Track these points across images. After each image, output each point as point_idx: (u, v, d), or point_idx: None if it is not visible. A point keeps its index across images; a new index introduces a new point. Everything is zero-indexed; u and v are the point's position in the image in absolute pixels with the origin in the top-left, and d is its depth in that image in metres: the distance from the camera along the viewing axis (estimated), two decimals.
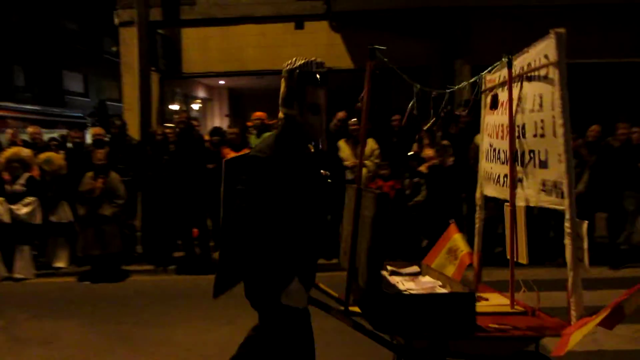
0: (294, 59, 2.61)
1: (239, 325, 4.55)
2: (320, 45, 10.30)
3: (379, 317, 2.75)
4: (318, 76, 2.58)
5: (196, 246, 7.90)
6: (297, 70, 2.57)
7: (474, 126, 5.36)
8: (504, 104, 3.40)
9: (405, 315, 2.70)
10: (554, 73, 2.82)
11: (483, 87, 3.83)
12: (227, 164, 2.93)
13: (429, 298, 2.90)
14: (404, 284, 3.23)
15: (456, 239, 3.72)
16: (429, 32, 10.13)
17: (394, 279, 3.32)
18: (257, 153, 2.58)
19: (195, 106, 15.40)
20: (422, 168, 7.50)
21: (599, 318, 2.57)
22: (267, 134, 5.53)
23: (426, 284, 3.23)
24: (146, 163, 7.95)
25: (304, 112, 2.58)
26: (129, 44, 10.36)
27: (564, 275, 2.79)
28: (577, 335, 2.55)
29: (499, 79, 3.55)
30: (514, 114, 3.25)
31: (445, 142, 7.57)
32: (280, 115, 2.71)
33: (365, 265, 2.77)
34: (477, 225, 3.94)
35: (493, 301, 3.36)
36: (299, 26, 10.68)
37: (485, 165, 3.83)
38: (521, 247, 3.25)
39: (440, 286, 3.19)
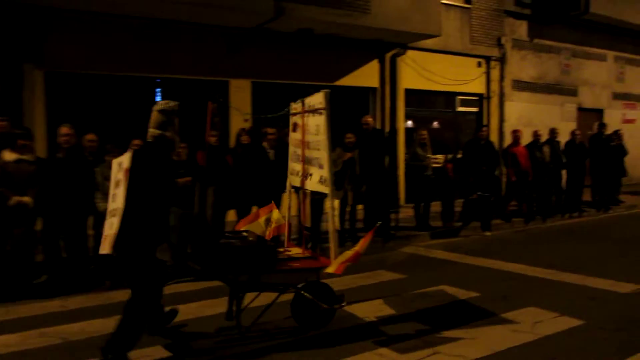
0: (166, 102, 4.24)
1: None
2: None
3: (213, 263, 4.60)
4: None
5: None
6: (172, 109, 4.18)
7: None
8: (300, 126, 5.44)
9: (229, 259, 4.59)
10: (324, 113, 4.85)
11: (291, 111, 5.82)
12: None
13: (247, 248, 4.79)
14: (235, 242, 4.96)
15: (274, 213, 5.51)
16: None
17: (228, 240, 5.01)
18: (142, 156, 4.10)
19: None
20: None
21: (348, 254, 4.46)
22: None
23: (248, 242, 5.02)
24: None
25: (174, 133, 4.16)
26: None
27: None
28: (335, 264, 4.47)
29: (298, 108, 5.55)
30: (304, 134, 5.30)
31: None
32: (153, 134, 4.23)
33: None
34: (288, 205, 5.94)
35: (293, 251, 5.40)
36: None
37: (291, 165, 5.83)
38: (308, 215, 5.49)
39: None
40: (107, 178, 6.44)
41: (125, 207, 3.89)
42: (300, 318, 4.88)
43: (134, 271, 4.03)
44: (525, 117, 14.96)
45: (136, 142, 6.83)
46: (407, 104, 12.95)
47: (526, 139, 11.27)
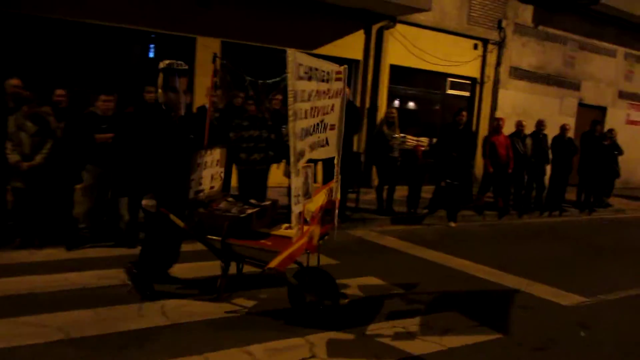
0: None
1: None
2: None
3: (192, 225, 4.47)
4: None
5: None
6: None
7: None
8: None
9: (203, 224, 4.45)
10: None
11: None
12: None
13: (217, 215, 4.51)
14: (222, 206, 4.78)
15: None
16: None
17: (237, 206, 4.78)
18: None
19: None
20: None
21: (296, 246, 4.02)
22: None
23: (244, 210, 4.69)
24: None
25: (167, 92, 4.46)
26: None
27: None
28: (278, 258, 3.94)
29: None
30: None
31: None
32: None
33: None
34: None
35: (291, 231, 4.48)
36: None
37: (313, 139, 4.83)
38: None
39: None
40: (22, 127, 5.96)
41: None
42: (295, 304, 4.42)
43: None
44: (520, 106, 14.18)
45: (59, 92, 6.29)
46: (392, 80, 12.24)
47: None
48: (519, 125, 10.43)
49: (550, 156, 10.94)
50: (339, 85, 4.54)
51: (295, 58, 3.72)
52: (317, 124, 4.27)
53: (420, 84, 13.07)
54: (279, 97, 7.68)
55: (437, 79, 13.14)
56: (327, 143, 4.54)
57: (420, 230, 8.62)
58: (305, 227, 4.19)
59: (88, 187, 6.01)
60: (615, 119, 16.69)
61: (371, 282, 5.45)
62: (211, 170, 4.95)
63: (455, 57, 12.89)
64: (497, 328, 4.38)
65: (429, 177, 9.66)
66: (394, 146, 8.76)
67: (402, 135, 9.34)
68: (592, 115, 15.71)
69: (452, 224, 9.11)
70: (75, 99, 6.77)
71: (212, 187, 5.02)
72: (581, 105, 15.91)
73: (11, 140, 5.91)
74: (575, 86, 15.74)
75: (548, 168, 11.01)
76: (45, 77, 7.36)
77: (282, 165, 7.77)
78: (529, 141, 10.45)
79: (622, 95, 17.12)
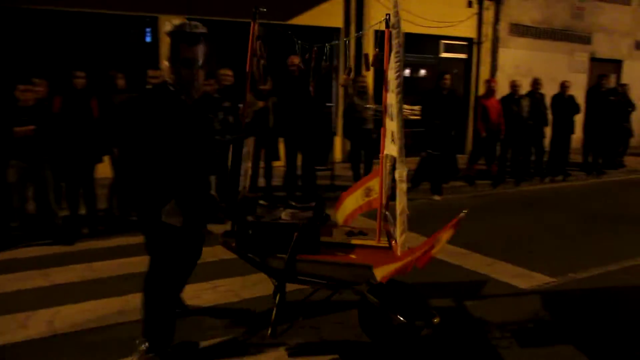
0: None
1: None
2: None
3: (241, 239, 3.51)
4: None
5: None
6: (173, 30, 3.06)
7: None
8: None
9: (259, 238, 3.46)
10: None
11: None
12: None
13: (278, 225, 3.53)
14: (283, 215, 3.69)
15: (377, 181, 3.90)
16: None
17: (280, 211, 3.76)
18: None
19: None
20: None
21: (415, 255, 2.93)
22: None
23: (296, 215, 3.67)
24: None
25: (176, 65, 3.08)
26: None
27: None
28: (389, 268, 2.99)
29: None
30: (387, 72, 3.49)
31: None
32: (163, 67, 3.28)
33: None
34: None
35: (365, 239, 3.82)
36: None
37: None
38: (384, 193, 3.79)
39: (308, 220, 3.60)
40: None
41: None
42: (369, 330, 3.54)
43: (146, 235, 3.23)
44: (524, 66, 13.28)
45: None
46: (379, 48, 11.49)
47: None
48: (513, 86, 9.65)
49: (551, 117, 10.15)
50: None
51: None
52: None
53: (411, 50, 12.27)
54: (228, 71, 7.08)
55: (430, 42, 12.34)
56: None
57: None
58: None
59: (14, 184, 5.65)
60: (634, 72, 15.57)
61: None
62: (244, 166, 3.89)
63: (448, 17, 12.06)
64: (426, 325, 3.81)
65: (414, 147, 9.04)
66: (367, 117, 8.16)
67: (377, 105, 8.72)
68: (606, 70, 14.63)
69: (437, 198, 8.49)
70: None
71: (244, 187, 3.90)
72: (594, 60, 14.86)
73: None
74: (586, 39, 14.67)
75: (548, 130, 10.23)
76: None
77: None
78: (525, 102, 9.68)
79: None
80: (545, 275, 4.87)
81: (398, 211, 3.17)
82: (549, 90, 10.23)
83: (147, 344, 3.15)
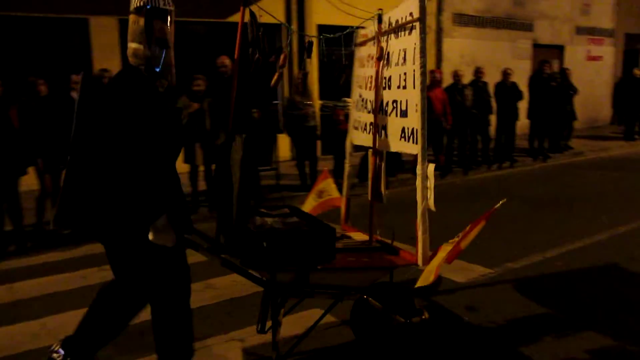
0: None
1: None
2: None
3: (245, 253, 2.97)
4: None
5: None
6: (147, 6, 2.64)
7: None
8: (372, 57, 3.69)
9: (269, 250, 2.84)
10: (415, 30, 3.12)
11: (356, 42, 4.25)
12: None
13: (292, 232, 3.05)
14: (273, 224, 3.19)
15: (327, 183, 4.11)
16: None
17: (263, 220, 3.21)
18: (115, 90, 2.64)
19: None
20: None
21: (444, 253, 2.92)
22: None
23: (291, 223, 3.21)
24: None
25: (152, 46, 2.65)
26: None
27: None
28: (430, 269, 2.88)
29: (371, 34, 3.83)
30: (381, 68, 3.50)
31: None
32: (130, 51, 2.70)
33: (234, 205, 2.99)
34: (345, 171, 4.42)
35: (355, 238, 3.74)
36: None
37: (355, 115, 4.12)
38: (379, 188, 3.65)
39: (304, 226, 3.20)
40: None
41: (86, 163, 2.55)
42: (362, 332, 3.47)
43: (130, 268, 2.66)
44: (469, 55, 13.36)
45: None
46: (323, 42, 11.35)
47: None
48: (455, 76, 9.69)
49: (495, 105, 10.23)
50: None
51: None
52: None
53: (351, 42, 12.18)
54: None
55: None
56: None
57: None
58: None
59: None
60: (575, 56, 15.92)
61: None
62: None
63: (389, 9, 11.96)
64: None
65: None
66: (307, 114, 8.01)
67: (325, 101, 8.59)
68: (549, 56, 14.88)
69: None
70: None
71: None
72: (536, 46, 15.09)
73: None
74: (528, 27, 14.88)
75: (493, 118, 10.30)
76: None
77: None
78: (468, 91, 9.71)
79: (580, 31, 16.27)
80: (484, 267, 4.83)
81: (420, 210, 3.08)
82: (495, 78, 10.31)
83: None
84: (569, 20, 15.88)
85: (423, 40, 3.07)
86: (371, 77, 3.70)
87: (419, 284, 2.87)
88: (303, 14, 10.87)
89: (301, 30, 10.94)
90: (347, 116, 8.65)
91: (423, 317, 3.26)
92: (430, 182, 3.08)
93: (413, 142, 3.18)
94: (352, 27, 4.21)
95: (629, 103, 13.25)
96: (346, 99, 8.19)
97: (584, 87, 14.35)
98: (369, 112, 3.77)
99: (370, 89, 3.74)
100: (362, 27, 4.08)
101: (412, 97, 3.15)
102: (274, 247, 2.84)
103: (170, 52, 2.76)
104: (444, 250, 3.00)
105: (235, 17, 9.25)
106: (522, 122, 10.80)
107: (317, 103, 8.24)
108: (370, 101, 3.74)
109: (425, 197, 3.07)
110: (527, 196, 7.95)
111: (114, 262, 2.70)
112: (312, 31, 11.07)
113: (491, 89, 10.17)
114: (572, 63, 14.68)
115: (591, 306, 4.05)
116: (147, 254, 2.57)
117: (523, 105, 10.63)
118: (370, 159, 3.66)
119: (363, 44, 4.07)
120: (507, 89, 10.24)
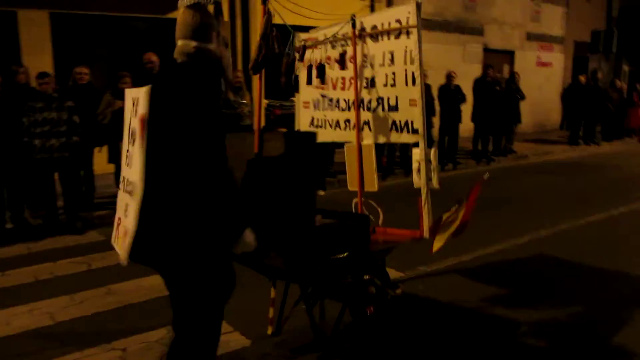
0: None
1: None
2: None
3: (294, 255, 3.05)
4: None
5: None
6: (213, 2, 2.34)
7: None
8: (336, 59, 3.93)
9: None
10: (412, 35, 3.41)
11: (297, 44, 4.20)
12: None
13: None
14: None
15: None
16: None
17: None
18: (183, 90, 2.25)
19: None
20: None
21: (453, 227, 3.50)
22: None
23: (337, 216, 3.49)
24: None
25: (220, 45, 2.39)
26: None
27: None
28: (440, 240, 3.52)
29: (321, 37, 4.13)
30: (359, 69, 3.77)
31: None
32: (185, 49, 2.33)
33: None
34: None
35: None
36: None
37: (318, 115, 4.25)
38: (372, 177, 3.85)
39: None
40: None
41: (148, 188, 2.15)
42: (355, 310, 3.63)
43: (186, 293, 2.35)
44: None
45: None
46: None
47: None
48: None
49: (438, 107, 10.25)
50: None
51: None
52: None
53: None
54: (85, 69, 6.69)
55: None
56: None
57: None
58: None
59: None
60: (525, 62, 16.16)
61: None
62: None
63: (339, 10, 11.72)
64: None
65: None
66: (243, 114, 7.84)
67: (271, 101, 8.46)
68: (500, 61, 15.16)
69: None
70: None
71: None
72: (487, 50, 15.26)
73: None
74: (479, 31, 15.03)
75: (437, 120, 10.33)
76: None
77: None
78: None
79: (531, 37, 16.54)
80: (398, 271, 4.74)
81: (423, 190, 3.51)
82: (443, 81, 10.34)
83: None
84: (519, 26, 16.12)
85: (420, 43, 3.41)
86: (343, 77, 3.95)
87: (435, 249, 3.60)
88: (247, 15, 10.69)
89: (246, 32, 10.79)
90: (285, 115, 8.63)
91: (397, 290, 3.79)
92: (434, 164, 3.48)
93: (408, 132, 3.54)
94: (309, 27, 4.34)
95: (574, 109, 13.52)
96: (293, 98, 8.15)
97: (534, 93, 14.61)
98: (342, 109, 4.01)
99: (343, 89, 3.98)
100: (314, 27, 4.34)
101: (405, 93, 3.51)
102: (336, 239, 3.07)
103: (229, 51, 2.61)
104: (446, 220, 3.59)
105: (175, 14, 8.98)
106: (467, 125, 10.86)
107: (264, 102, 8.07)
108: (344, 100, 3.98)
109: (429, 179, 3.49)
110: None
111: (177, 291, 2.40)
112: (255, 32, 10.92)
113: (435, 91, 10.19)
114: (523, 68, 14.88)
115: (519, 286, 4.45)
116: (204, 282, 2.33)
117: (467, 108, 10.69)
118: (350, 152, 3.87)
119: (314, 47, 4.20)
120: (451, 92, 10.27)
